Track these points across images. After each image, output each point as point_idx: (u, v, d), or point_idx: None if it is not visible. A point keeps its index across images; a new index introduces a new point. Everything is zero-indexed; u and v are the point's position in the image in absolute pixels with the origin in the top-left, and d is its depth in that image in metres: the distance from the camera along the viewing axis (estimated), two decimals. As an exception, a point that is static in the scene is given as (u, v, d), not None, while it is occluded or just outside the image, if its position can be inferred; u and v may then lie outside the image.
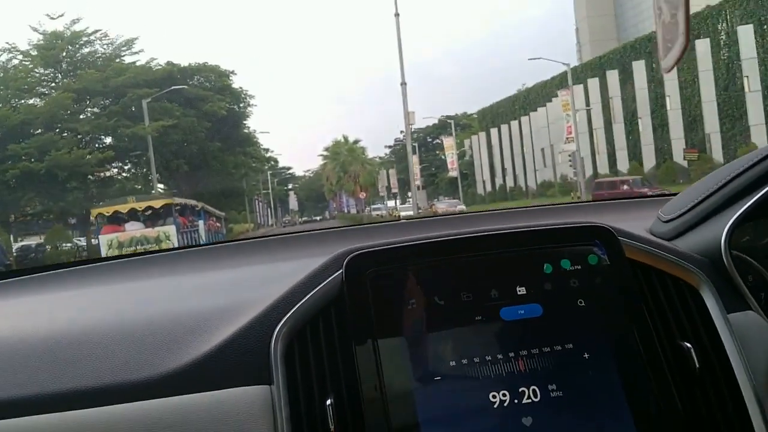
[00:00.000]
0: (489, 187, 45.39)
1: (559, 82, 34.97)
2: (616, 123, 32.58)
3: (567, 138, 30.64)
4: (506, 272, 0.82)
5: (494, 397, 0.74)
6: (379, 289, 0.79)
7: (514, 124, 41.65)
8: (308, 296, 0.81)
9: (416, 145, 39.30)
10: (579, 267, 0.82)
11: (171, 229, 19.04)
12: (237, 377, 0.77)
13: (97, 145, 27.62)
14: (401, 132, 56.58)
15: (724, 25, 27.18)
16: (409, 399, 0.74)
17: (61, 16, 36.68)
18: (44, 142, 24.06)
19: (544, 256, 0.83)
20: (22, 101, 26.37)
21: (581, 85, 33.12)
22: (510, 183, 42.63)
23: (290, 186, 65.35)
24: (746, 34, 25.72)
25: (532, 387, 0.75)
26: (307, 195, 67.31)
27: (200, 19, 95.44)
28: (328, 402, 0.74)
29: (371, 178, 44.17)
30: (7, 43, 27.69)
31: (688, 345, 0.82)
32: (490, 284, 0.80)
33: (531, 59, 35.33)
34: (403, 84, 26.88)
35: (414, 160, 31.79)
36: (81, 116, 27.20)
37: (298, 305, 0.80)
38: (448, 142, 43.84)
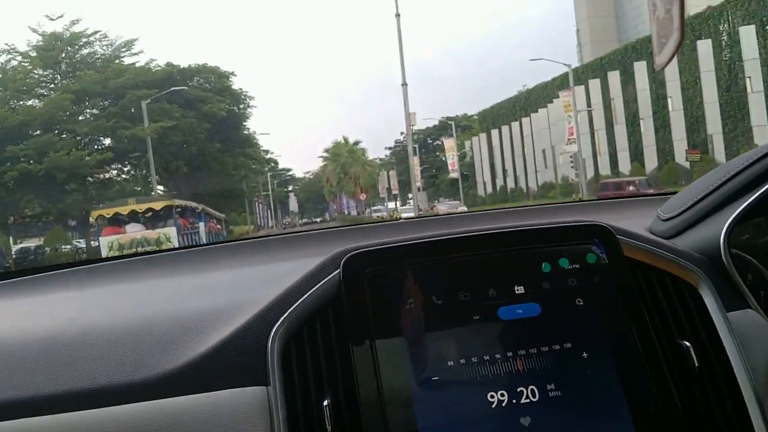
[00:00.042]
0: (490, 189, 45.35)
1: (559, 83, 34.93)
2: (618, 124, 32.53)
3: (569, 139, 30.57)
4: (504, 271, 0.81)
5: (492, 397, 0.74)
6: (377, 289, 0.78)
7: (515, 125, 41.60)
8: (305, 296, 0.80)
9: (416, 146, 39.21)
10: (577, 266, 0.82)
11: (171, 231, 19.03)
12: (233, 378, 0.76)
13: (96, 147, 27.61)
14: (401, 133, 56.68)
15: (726, 25, 27.11)
16: (406, 399, 0.73)
17: (61, 17, 36.71)
18: (43, 143, 24.06)
19: (542, 255, 0.82)
20: (21, 102, 26.39)
21: (582, 86, 33.07)
22: (511, 184, 42.58)
23: (290, 187, 65.44)
24: (748, 35, 25.67)
25: (531, 387, 0.75)
26: (307, 196, 67.40)
27: (200, 20, 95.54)
28: (325, 403, 0.73)
29: (371, 179, 44.15)
30: (6, 44, 27.75)
31: (687, 344, 0.82)
32: (488, 283, 0.80)
33: (532, 60, 35.20)
34: (404, 84, 26.78)
35: (414, 162, 31.71)
36: (80, 117, 27.18)
37: (295, 305, 0.80)
38: (449, 143, 43.80)
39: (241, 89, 34.34)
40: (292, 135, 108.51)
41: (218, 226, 25.81)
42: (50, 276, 1.24)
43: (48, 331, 0.88)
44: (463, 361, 0.75)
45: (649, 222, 1.12)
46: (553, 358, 0.76)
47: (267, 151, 43.56)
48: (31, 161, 23.65)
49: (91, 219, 22.56)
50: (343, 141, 46.13)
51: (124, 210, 19.40)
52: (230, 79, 33.39)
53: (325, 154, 47.59)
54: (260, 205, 47.56)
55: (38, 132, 25.14)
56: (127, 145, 27.15)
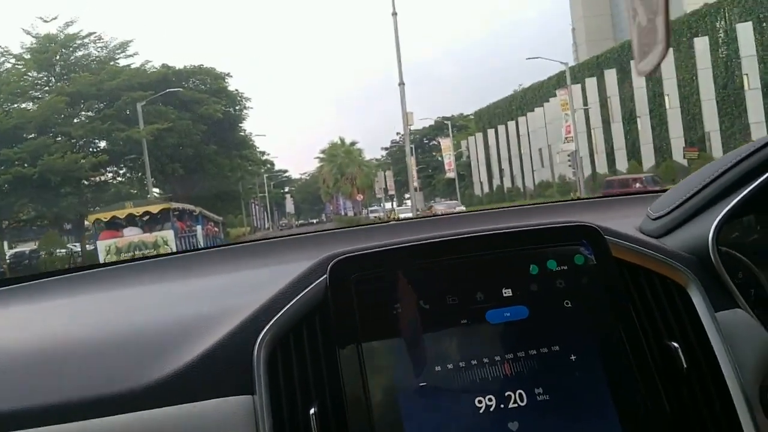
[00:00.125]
0: (486, 188, 45.34)
1: (556, 82, 34.93)
2: (615, 122, 32.56)
3: (566, 138, 30.55)
4: (492, 274, 0.81)
5: (480, 402, 0.73)
6: (364, 294, 0.77)
7: (511, 124, 41.61)
8: (291, 303, 0.79)
9: (413, 146, 39.09)
10: (565, 267, 0.81)
11: (169, 234, 18.94)
12: (219, 387, 0.76)
13: (91, 150, 27.44)
14: (398, 134, 56.69)
15: (723, 22, 27.15)
16: (394, 406, 0.73)
17: (55, 19, 36.16)
18: (37, 146, 23.87)
19: (529, 256, 0.81)
20: (15, 105, 26.19)
21: (579, 85, 33.07)
22: (507, 184, 42.57)
23: (286, 189, 65.35)
24: (745, 32, 25.70)
25: (519, 391, 0.74)
26: (303, 198, 67.37)
27: (195, 22, 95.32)
28: (312, 411, 0.73)
29: (368, 180, 44.11)
30: (0, 46, 27.32)
31: (676, 345, 0.81)
32: (475, 287, 0.79)
33: (529, 59, 35.17)
34: (401, 84, 26.71)
35: (411, 162, 31.64)
36: (75, 120, 26.98)
37: (281, 312, 0.79)
38: (445, 143, 43.75)
39: (237, 90, 34.10)
40: (288, 136, 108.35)
41: (216, 229, 25.68)
42: (40, 284, 1.22)
43: (35, 341, 0.88)
44: (450, 366, 0.75)
45: (640, 221, 1.11)
46: (541, 362, 0.76)
47: (263, 153, 43.29)
48: (25, 164, 23.45)
49: (87, 222, 22.44)
50: (339, 142, 46.08)
51: (122, 213, 19.29)
52: (226, 81, 33.16)
53: (321, 155, 47.64)
54: (257, 207, 47.45)
55: (32, 135, 24.93)
56: (123, 148, 26.96)
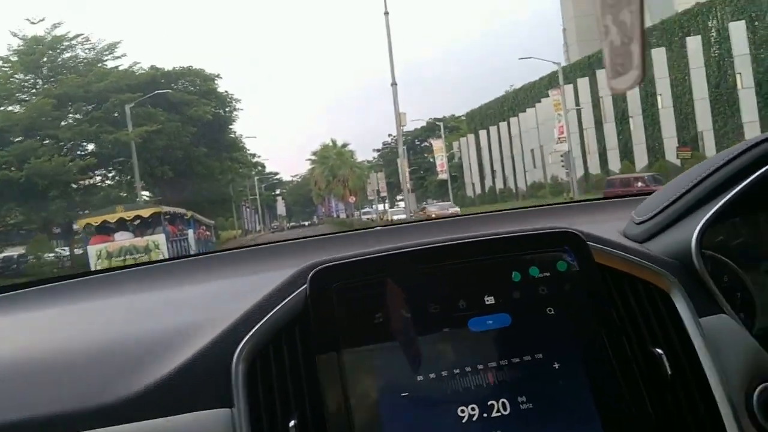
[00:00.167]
0: (478, 189, 45.26)
1: (547, 83, 34.89)
2: (607, 122, 32.54)
3: (559, 138, 30.47)
4: (474, 282, 0.80)
5: (463, 411, 0.73)
6: (345, 303, 0.77)
7: (503, 125, 41.56)
8: (271, 314, 0.78)
9: (405, 148, 38.91)
10: (548, 274, 0.81)
11: (160, 238, 18.73)
12: (197, 401, 0.74)
13: (79, 152, 27.00)
14: (389, 135, 56.53)
15: (715, 22, 27.17)
16: (375, 416, 0.72)
17: (42, 20, 35.56)
18: (24, 149, 23.48)
19: (511, 263, 0.81)
20: (1, 108, 25.74)
21: (571, 85, 33.02)
22: (500, 185, 42.51)
23: (278, 191, 65.14)
24: (738, 31, 25.74)
25: (502, 400, 0.73)
26: (294, 200, 67.11)
27: (184, 23, 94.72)
28: (292, 423, 0.72)
29: (360, 182, 43.88)
30: (-15, 48, 26.84)
31: (660, 351, 0.81)
32: (457, 294, 0.78)
33: (521, 59, 35.10)
34: (394, 84, 26.50)
35: (404, 163, 31.45)
36: (62, 123, 26.52)
37: (260, 323, 0.77)
38: (437, 144, 43.62)
39: (227, 92, 33.82)
40: (279, 138, 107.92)
41: (207, 233, 25.44)
42: (21, 294, 1.20)
43: (13, 354, 0.86)
44: (433, 375, 0.74)
45: (624, 225, 1.10)
46: (524, 370, 0.75)
47: (254, 155, 42.95)
48: (12, 168, 23.01)
49: (77, 227, 22.10)
50: (331, 143, 45.81)
51: (112, 218, 19.01)
52: (216, 82, 32.87)
53: (313, 157, 47.32)
54: (248, 210, 47.15)
55: (19, 138, 24.51)
56: (111, 151, 26.55)
